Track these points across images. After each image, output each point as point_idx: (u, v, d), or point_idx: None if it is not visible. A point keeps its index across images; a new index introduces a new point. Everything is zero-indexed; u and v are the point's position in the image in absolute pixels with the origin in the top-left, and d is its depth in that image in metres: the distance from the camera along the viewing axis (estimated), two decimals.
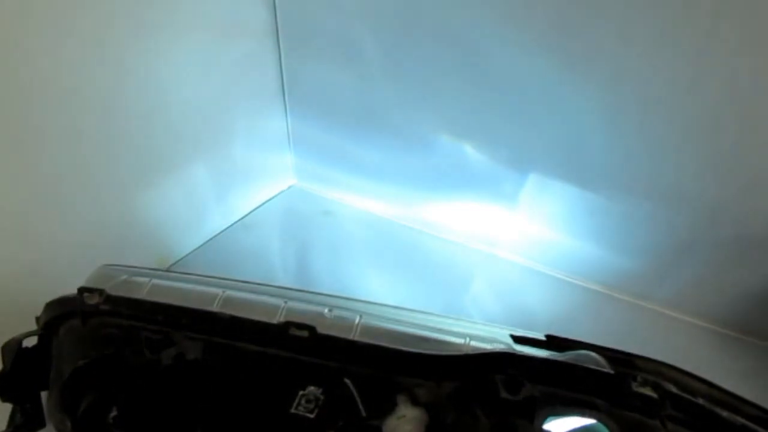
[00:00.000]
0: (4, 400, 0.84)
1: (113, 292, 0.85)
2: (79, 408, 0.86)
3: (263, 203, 1.99)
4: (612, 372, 0.67)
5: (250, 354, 0.81)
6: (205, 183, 1.69)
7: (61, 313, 0.86)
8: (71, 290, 0.88)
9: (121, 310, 0.84)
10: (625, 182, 1.44)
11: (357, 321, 0.79)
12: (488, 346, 0.75)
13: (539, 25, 1.29)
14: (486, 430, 0.71)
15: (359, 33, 1.56)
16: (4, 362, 0.84)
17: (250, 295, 0.86)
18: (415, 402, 0.74)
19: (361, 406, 0.74)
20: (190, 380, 0.84)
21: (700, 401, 0.65)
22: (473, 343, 0.76)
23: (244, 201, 1.93)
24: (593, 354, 0.72)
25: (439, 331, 0.79)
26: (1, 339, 0.85)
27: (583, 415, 0.67)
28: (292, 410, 0.75)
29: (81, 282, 0.89)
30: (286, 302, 0.83)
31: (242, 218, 1.90)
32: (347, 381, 0.75)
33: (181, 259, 1.66)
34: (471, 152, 1.62)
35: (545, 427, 0.68)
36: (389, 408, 0.74)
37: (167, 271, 1.51)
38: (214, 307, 0.83)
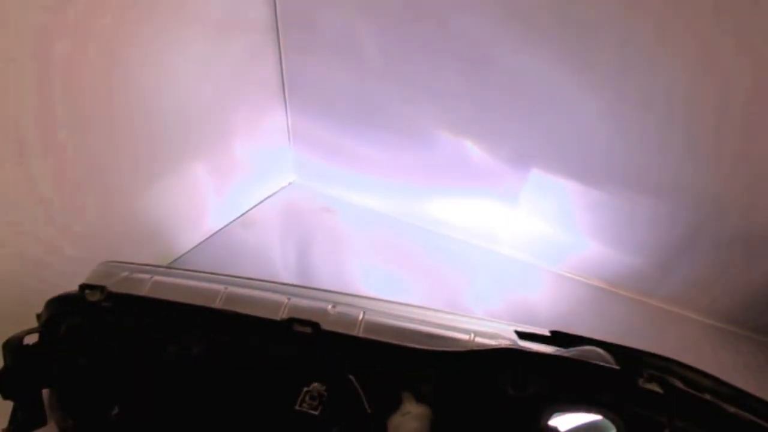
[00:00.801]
0: (6, 398, 0.84)
1: (115, 289, 0.85)
2: (81, 405, 0.86)
3: (263, 200, 1.99)
4: (618, 368, 0.67)
5: (253, 351, 0.80)
6: (205, 179, 1.68)
7: (63, 311, 0.86)
8: (72, 287, 0.87)
9: (122, 308, 0.84)
10: (626, 178, 1.43)
11: (361, 317, 0.79)
12: (493, 342, 0.75)
13: (540, 21, 1.28)
14: (492, 426, 0.71)
15: (360, 28, 1.55)
16: (5, 360, 0.83)
17: (252, 291, 0.86)
18: (419, 398, 0.73)
19: (365, 403, 0.73)
20: (193, 377, 0.84)
21: (707, 397, 0.65)
22: (478, 339, 0.76)
23: (244, 197, 1.92)
24: (599, 350, 0.71)
25: (443, 327, 0.79)
26: (2, 336, 0.85)
27: (589, 411, 0.67)
28: (297, 407, 0.74)
29: (82, 279, 0.89)
30: (289, 299, 0.83)
31: (242, 215, 1.89)
32: (351, 377, 0.74)
33: (182, 256, 1.66)
34: (472, 148, 1.61)
35: (551, 423, 0.68)
36: (394, 405, 0.73)
37: (169, 267, 1.50)
38: (217, 304, 0.83)
